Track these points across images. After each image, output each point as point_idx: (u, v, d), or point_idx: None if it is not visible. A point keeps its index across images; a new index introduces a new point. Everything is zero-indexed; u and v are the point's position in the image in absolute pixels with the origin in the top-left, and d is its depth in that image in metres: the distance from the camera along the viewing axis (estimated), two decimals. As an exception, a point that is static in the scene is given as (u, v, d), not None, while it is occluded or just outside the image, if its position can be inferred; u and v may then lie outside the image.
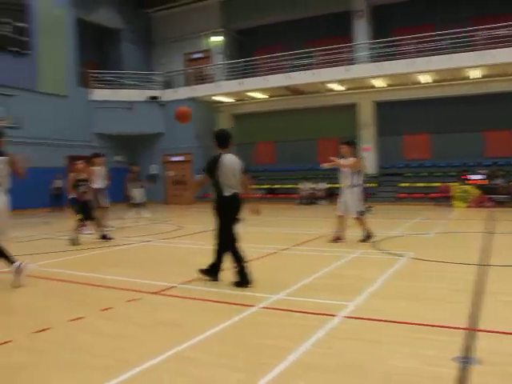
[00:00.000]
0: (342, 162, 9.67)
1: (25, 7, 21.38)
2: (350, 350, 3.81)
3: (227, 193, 6.21)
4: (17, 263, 6.33)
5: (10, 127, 18.05)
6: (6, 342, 4.16)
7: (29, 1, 21.57)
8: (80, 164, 11.53)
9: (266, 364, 3.54)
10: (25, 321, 4.85)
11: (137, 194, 16.58)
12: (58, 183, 20.37)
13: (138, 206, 16.55)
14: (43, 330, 4.47)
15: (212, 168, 6.22)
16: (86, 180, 11.14)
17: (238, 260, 6.22)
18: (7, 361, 3.77)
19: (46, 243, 10.94)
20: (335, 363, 3.56)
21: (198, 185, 6.13)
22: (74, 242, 10.19)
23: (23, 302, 5.66)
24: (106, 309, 5.13)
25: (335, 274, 6.82)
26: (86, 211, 10.71)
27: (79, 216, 10.62)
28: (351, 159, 9.54)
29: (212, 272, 6.41)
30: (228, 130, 6.72)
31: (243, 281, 6.09)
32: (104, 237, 10.87)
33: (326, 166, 9.97)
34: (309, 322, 4.52)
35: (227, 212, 6.29)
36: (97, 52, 27.72)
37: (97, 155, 12.83)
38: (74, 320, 4.76)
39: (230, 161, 6.30)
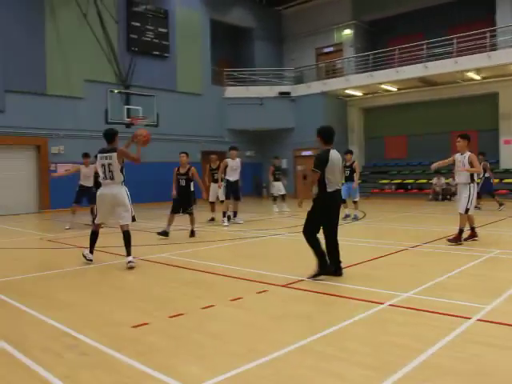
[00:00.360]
0: (458, 160, 9.10)
1: (166, 14, 22.91)
2: (482, 356, 3.60)
3: (331, 189, 6.21)
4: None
5: (150, 125, 19.35)
6: (143, 324, 4.51)
7: (169, 7, 23.09)
8: (213, 156, 13.41)
9: (394, 363, 3.47)
10: (160, 306, 5.19)
11: (277, 187, 16.98)
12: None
13: (277, 198, 16.90)
14: (177, 315, 4.76)
15: (324, 164, 6.18)
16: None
17: (320, 254, 6.23)
18: (145, 340, 4.08)
19: (179, 234, 11.58)
20: (466, 368, 3.39)
21: (314, 182, 6.17)
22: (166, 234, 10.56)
23: (158, 290, 6.05)
24: (236, 299, 5.32)
25: (469, 273, 6.44)
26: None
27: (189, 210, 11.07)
28: (468, 154, 8.95)
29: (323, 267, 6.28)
30: (331, 127, 6.61)
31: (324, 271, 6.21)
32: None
33: (435, 166, 9.49)
34: (439, 322, 4.34)
35: (328, 208, 6.27)
36: (230, 51, 28.75)
37: (233, 148, 13.54)
38: (205, 308, 5.01)
39: (337, 157, 6.35)
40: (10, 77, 18.11)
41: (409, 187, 23.27)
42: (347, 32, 26.65)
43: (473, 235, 9.18)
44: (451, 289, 5.59)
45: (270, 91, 25.60)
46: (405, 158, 25.25)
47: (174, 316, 4.73)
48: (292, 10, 28.71)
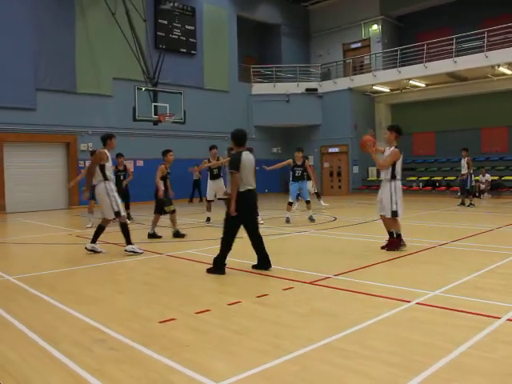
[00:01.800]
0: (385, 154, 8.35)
1: (194, 11, 23.05)
2: (513, 356, 3.53)
3: (242, 189, 6.47)
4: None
5: (177, 122, 19.47)
6: (171, 319, 4.56)
7: (196, 5, 23.24)
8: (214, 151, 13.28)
9: (421, 362, 3.43)
10: (186, 302, 5.23)
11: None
12: (197, 175, 21.21)
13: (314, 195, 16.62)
14: (204, 311, 4.80)
15: (237, 164, 6.48)
16: None
17: (224, 253, 6.57)
18: (172, 335, 4.12)
19: (202, 231, 11.65)
20: (495, 369, 3.33)
21: (235, 182, 6.38)
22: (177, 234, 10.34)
23: (184, 286, 6.10)
24: (262, 295, 5.34)
25: (498, 272, 6.32)
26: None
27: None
28: (391, 148, 8.13)
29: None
30: (243, 130, 6.91)
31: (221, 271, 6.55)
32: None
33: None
34: (468, 322, 4.28)
35: (240, 207, 6.45)
36: (256, 47, 28.79)
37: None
38: (231, 304, 5.03)
39: (249, 158, 6.65)
40: (40, 76, 18.47)
41: (437, 184, 22.95)
42: (375, 27, 26.42)
43: (394, 243, 8.06)
44: (480, 287, 5.50)
45: (296, 88, 25.54)
46: (433, 155, 24.92)
47: (201, 312, 4.76)
48: (319, 6, 28.58)
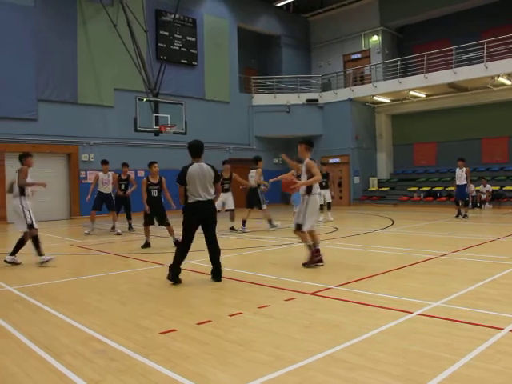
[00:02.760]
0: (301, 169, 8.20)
1: (194, 23, 23.22)
2: (517, 367, 3.50)
3: (191, 200, 6.65)
4: None
5: (178, 133, 19.51)
6: (171, 330, 4.54)
7: (197, 16, 23.41)
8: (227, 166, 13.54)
9: (425, 374, 3.40)
10: (188, 313, 5.21)
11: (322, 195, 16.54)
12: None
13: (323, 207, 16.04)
14: (205, 322, 4.78)
15: (181, 176, 6.73)
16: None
17: (177, 260, 6.69)
18: (173, 346, 4.09)
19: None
20: (500, 381, 3.29)
21: (180, 194, 6.58)
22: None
23: (185, 297, 6.09)
24: (264, 306, 5.32)
25: (501, 283, 6.30)
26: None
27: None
28: (306, 161, 7.83)
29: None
30: (197, 142, 7.00)
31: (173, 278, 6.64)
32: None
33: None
34: (471, 333, 4.25)
35: (189, 217, 6.67)
36: (257, 58, 28.95)
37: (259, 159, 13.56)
38: (233, 315, 5.01)
39: (197, 170, 6.74)
40: (42, 86, 18.57)
41: (438, 195, 22.94)
42: (375, 38, 26.55)
43: (314, 258, 7.84)
44: (482, 298, 5.48)
45: (297, 98, 25.62)
46: (434, 165, 24.94)
47: (202, 323, 4.74)
48: (319, 17, 28.76)
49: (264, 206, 13.38)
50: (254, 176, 13.37)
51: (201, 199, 6.67)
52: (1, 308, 5.57)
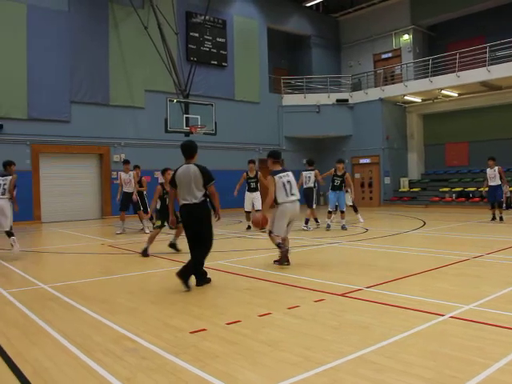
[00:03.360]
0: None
1: (224, 24, 23.34)
2: (553, 373, 3.42)
3: (180, 203, 6.49)
4: None
5: (208, 133, 19.63)
6: (201, 330, 4.58)
7: (227, 17, 23.53)
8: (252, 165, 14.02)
9: (457, 378, 3.35)
10: (217, 313, 5.25)
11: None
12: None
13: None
14: (235, 322, 4.80)
15: (171, 179, 6.61)
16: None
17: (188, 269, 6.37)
18: (202, 346, 4.13)
19: (237, 241, 11.68)
20: (535, 385, 3.23)
21: (170, 197, 6.49)
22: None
23: (215, 297, 6.13)
24: (293, 307, 5.31)
25: (537, 286, 6.15)
26: None
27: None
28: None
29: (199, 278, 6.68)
30: (188, 143, 6.69)
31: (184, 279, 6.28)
32: None
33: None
34: (504, 337, 4.17)
35: (182, 222, 6.58)
36: (287, 58, 28.90)
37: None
38: (262, 315, 5.03)
39: (184, 172, 6.48)
40: (75, 89, 18.93)
41: (470, 195, 22.51)
42: (406, 37, 26.21)
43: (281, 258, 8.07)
44: (516, 301, 5.37)
45: (327, 99, 25.48)
46: (466, 166, 24.49)
47: (231, 323, 4.77)
48: (349, 17, 28.57)
49: (314, 206, 14.07)
50: (311, 177, 13.91)
51: (186, 202, 6.44)
52: (36, 305, 5.70)
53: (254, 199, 13.92)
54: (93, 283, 7.04)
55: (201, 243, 6.54)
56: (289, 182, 8.02)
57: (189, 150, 6.58)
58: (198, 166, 6.51)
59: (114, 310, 5.46)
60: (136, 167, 14.71)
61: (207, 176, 6.47)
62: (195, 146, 6.67)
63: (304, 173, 14.00)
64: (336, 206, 14.02)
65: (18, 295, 6.25)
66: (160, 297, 6.09)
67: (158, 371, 3.60)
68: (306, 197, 13.76)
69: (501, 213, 14.95)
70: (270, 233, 8.11)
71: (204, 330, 4.58)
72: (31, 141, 18.17)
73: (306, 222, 13.76)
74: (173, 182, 6.56)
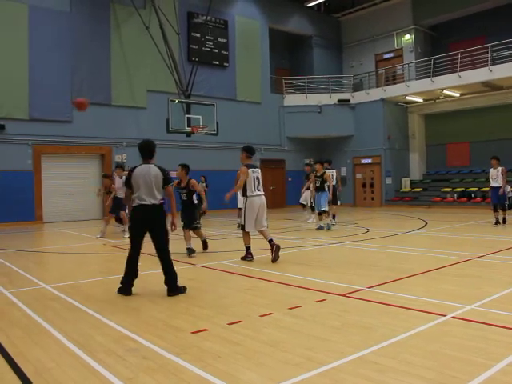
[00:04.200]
0: None
1: (226, 24, 23.36)
2: (554, 373, 3.42)
3: (135, 203, 6.27)
4: None
5: (210, 134, 19.64)
6: (203, 330, 4.58)
7: (229, 18, 23.56)
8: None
9: (458, 378, 3.35)
10: (219, 313, 5.24)
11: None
12: (203, 186, 20.53)
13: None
14: (236, 322, 4.81)
15: (127, 179, 6.39)
16: None
17: (129, 272, 6.28)
18: (204, 346, 4.14)
19: (235, 241, 11.67)
20: (536, 386, 3.23)
21: (126, 197, 6.42)
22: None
23: (216, 297, 6.13)
24: (294, 307, 5.32)
25: (539, 287, 6.14)
26: None
27: None
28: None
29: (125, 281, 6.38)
30: (148, 142, 6.52)
31: (125, 291, 6.22)
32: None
33: None
34: (506, 337, 4.16)
35: (134, 222, 6.37)
36: (288, 59, 28.93)
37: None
38: (263, 315, 5.03)
39: (143, 172, 6.29)
40: (77, 89, 18.93)
41: (472, 196, 22.50)
42: (407, 37, 26.20)
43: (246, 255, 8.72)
44: (518, 302, 5.37)
45: (329, 99, 25.49)
46: (468, 166, 24.47)
47: (233, 323, 4.77)
48: (350, 17, 28.56)
49: (339, 203, 15.01)
50: (334, 175, 14.59)
51: (144, 203, 6.21)
52: (38, 306, 5.71)
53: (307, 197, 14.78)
54: (95, 283, 7.05)
55: (162, 248, 6.33)
56: (258, 178, 8.58)
57: (149, 150, 6.46)
58: (158, 166, 6.43)
59: (115, 310, 5.47)
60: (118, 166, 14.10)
61: (167, 177, 6.44)
62: (155, 145, 6.57)
63: (327, 172, 14.32)
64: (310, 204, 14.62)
65: (20, 295, 6.26)
66: (161, 297, 6.09)
67: (160, 371, 3.61)
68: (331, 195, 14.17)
69: (504, 215, 14.16)
70: (243, 229, 8.60)
71: (205, 330, 4.58)
72: (33, 141, 18.19)
73: (333, 217, 14.58)
74: (129, 183, 6.33)
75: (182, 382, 3.41)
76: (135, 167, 6.39)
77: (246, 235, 8.62)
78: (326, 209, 13.58)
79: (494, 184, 14.09)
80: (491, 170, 14.25)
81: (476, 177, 23.41)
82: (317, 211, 13.87)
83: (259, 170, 8.73)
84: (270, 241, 8.48)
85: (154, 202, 6.24)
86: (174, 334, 4.49)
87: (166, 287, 6.21)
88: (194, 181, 9.89)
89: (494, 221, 13.97)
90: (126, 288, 6.25)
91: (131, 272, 6.31)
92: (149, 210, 6.23)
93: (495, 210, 14.03)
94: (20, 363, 3.84)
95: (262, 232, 8.63)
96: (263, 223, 8.62)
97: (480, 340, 4.12)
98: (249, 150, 8.75)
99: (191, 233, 9.70)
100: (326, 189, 13.43)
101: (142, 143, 6.50)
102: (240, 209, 14.15)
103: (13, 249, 11.01)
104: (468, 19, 24.38)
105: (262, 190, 8.64)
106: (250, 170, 8.48)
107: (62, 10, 18.74)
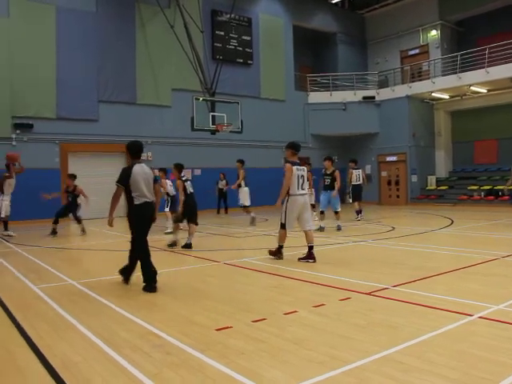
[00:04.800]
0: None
1: (250, 22, 23.38)
2: None
3: (138, 202, 6.36)
4: None
5: (234, 131, 19.66)
6: (227, 327, 4.60)
7: (253, 15, 23.57)
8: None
9: (485, 379, 3.30)
10: (243, 310, 5.26)
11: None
12: (223, 184, 20.50)
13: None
14: (260, 319, 4.81)
15: (125, 178, 6.38)
16: None
17: (144, 268, 6.49)
18: (228, 343, 4.16)
19: (259, 239, 11.68)
20: None
21: (116, 196, 6.39)
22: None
23: (241, 294, 6.15)
24: (319, 305, 5.30)
25: None
26: None
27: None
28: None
29: (125, 274, 6.78)
30: (138, 142, 6.70)
31: (148, 287, 6.31)
32: None
33: None
34: (535, 338, 4.09)
35: (138, 221, 6.47)
36: (312, 56, 28.80)
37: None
38: (288, 313, 5.02)
39: (141, 171, 6.47)
40: (103, 88, 19.18)
41: (500, 194, 22.09)
42: (433, 33, 25.83)
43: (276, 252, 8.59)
44: (548, 302, 5.26)
45: (353, 96, 25.31)
46: (495, 163, 24.02)
47: (257, 320, 4.78)
48: (375, 13, 28.31)
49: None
50: (360, 175, 15.43)
51: (148, 200, 6.47)
52: (65, 301, 5.80)
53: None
54: (119, 280, 7.12)
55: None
56: (302, 176, 8.33)
57: (139, 150, 6.65)
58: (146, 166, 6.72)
59: (140, 306, 5.52)
60: (71, 176, 13.95)
61: (155, 176, 6.79)
62: (142, 145, 6.81)
63: (354, 171, 14.97)
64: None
65: (47, 290, 6.38)
66: (185, 294, 6.13)
67: (183, 367, 3.64)
68: (356, 192, 14.90)
69: None
70: (282, 227, 8.37)
71: (229, 327, 4.60)
72: (60, 140, 18.49)
73: (359, 212, 15.35)
74: (126, 180, 6.38)
75: (206, 379, 3.43)
76: (131, 166, 6.50)
77: (283, 234, 8.43)
78: (338, 209, 13.18)
79: None
80: None
81: (504, 174, 22.92)
82: (319, 210, 13.30)
83: (305, 169, 8.46)
84: (311, 247, 8.24)
85: (152, 198, 6.57)
86: (199, 331, 4.51)
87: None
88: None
89: None
90: (147, 283, 6.37)
91: (144, 263, 6.55)
92: (151, 206, 6.56)
93: None
94: (48, 356, 3.91)
95: (306, 233, 8.38)
96: (309, 223, 8.42)
97: (508, 341, 4.05)
98: (294, 147, 8.49)
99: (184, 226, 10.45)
100: (336, 188, 12.99)
101: (135, 144, 6.68)
102: (244, 207, 14.38)
103: (41, 245, 11.21)
104: (496, 13, 23.90)
105: (306, 189, 8.42)
106: (295, 168, 8.24)
107: (88, 10, 18.99)
